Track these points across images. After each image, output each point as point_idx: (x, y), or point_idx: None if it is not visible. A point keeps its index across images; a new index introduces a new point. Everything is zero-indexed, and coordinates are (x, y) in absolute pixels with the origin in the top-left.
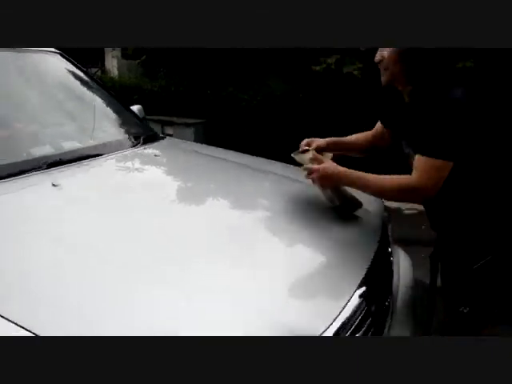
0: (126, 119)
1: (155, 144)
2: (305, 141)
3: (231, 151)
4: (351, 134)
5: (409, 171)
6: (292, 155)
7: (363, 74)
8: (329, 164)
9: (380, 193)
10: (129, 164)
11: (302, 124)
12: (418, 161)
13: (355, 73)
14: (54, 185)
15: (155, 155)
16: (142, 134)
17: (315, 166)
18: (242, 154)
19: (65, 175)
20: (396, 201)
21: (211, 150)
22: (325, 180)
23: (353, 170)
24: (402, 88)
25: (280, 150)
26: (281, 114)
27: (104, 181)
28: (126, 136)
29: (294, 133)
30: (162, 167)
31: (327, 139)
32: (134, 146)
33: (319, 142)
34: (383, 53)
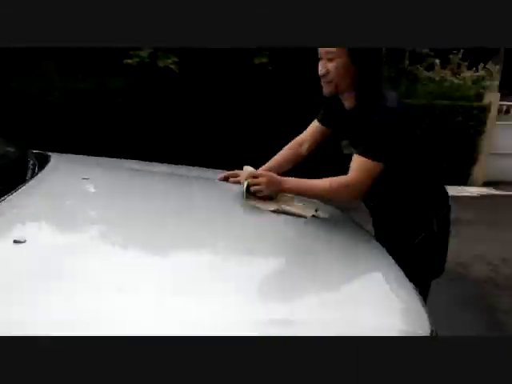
0: None
1: (54, 165)
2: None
3: (154, 163)
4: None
5: (346, 171)
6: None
7: (181, 68)
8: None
9: (321, 193)
10: (67, 195)
11: (108, 121)
12: (355, 161)
13: (172, 67)
14: (16, 241)
15: (83, 178)
16: (24, 155)
17: (263, 172)
18: (162, 164)
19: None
20: (332, 200)
21: (128, 163)
22: (272, 185)
23: (291, 178)
24: (346, 94)
25: (79, 148)
26: (85, 111)
27: (70, 226)
28: (19, 162)
29: (97, 130)
30: (111, 192)
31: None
32: (35, 172)
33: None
34: (327, 66)
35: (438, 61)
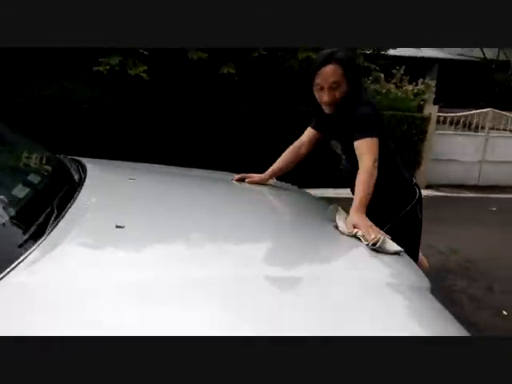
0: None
1: (95, 168)
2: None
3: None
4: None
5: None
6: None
7: (151, 76)
8: (350, 217)
9: (370, 186)
10: (129, 191)
11: (74, 127)
12: (359, 146)
13: (143, 75)
14: (118, 226)
15: (129, 178)
16: (64, 159)
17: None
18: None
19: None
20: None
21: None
22: (361, 221)
23: (356, 200)
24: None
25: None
26: (49, 117)
27: (156, 217)
28: (66, 165)
29: (61, 137)
30: (158, 187)
31: (266, 174)
32: (82, 174)
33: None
34: (335, 94)
35: (382, 75)
